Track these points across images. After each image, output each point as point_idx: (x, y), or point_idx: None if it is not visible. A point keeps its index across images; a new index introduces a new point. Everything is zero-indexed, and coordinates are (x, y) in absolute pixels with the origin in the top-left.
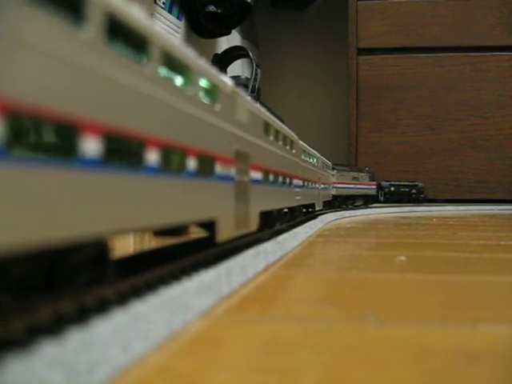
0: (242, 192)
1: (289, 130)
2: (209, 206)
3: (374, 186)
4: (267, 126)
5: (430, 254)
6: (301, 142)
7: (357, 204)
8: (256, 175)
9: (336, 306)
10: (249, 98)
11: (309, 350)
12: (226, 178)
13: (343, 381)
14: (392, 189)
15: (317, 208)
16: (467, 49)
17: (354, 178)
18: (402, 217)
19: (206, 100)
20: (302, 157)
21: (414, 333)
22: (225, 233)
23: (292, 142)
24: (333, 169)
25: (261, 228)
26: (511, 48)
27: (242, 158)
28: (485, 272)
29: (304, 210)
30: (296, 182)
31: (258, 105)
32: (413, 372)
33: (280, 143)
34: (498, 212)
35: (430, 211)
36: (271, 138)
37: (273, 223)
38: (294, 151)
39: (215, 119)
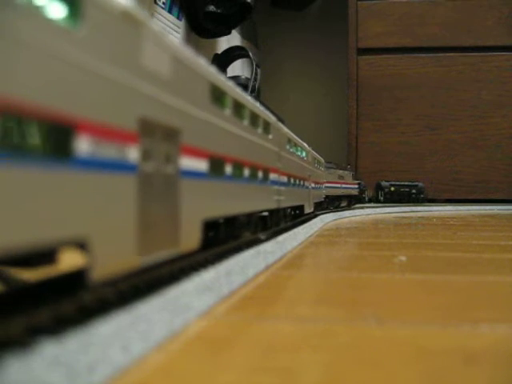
0: (159, 190)
1: (264, 111)
2: (72, 217)
3: (357, 186)
4: (217, 92)
5: (430, 253)
6: (285, 129)
7: (342, 205)
8: (194, 164)
9: (336, 306)
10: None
11: (309, 350)
12: (107, 165)
13: (343, 381)
14: (392, 189)
15: (306, 211)
16: (467, 49)
17: (340, 177)
18: (402, 217)
19: None
20: (287, 147)
21: (414, 333)
22: (110, 263)
23: (268, 124)
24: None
25: (210, 242)
26: (511, 48)
27: (159, 135)
28: (485, 272)
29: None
30: (274, 177)
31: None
32: (413, 372)
33: (246, 123)
34: (498, 212)
35: (430, 211)
36: (227, 111)
37: (239, 232)
38: (270, 137)
39: None
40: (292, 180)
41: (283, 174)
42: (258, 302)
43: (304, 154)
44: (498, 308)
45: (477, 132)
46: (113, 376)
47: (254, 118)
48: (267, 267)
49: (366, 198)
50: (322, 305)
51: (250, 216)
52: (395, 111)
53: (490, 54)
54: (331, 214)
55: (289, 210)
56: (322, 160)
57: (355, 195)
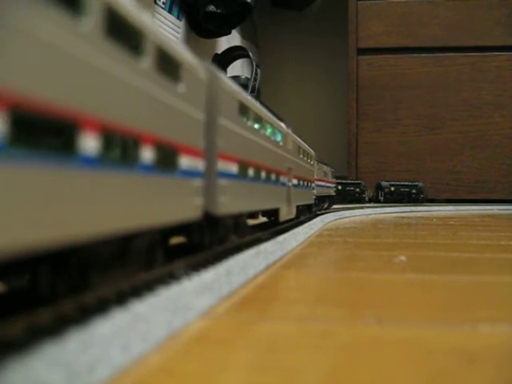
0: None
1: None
2: None
3: (334, 185)
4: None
5: (430, 253)
6: (242, 94)
7: (325, 207)
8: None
9: (336, 306)
10: None
11: (309, 350)
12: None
13: (343, 381)
14: (392, 189)
15: (282, 217)
16: (467, 49)
17: (325, 174)
18: (402, 217)
19: None
20: (236, 116)
21: (414, 333)
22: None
23: (178, 66)
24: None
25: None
26: (511, 48)
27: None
28: (485, 272)
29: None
30: (189, 162)
31: None
32: (413, 372)
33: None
34: (498, 212)
35: (430, 211)
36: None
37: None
38: (184, 91)
39: None
40: (249, 170)
41: (225, 157)
42: (258, 302)
43: (279, 136)
44: (498, 308)
45: (477, 132)
46: (113, 376)
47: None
48: (267, 267)
49: (366, 198)
50: (322, 305)
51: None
52: (395, 111)
53: (490, 53)
54: (331, 213)
55: (242, 219)
56: (313, 152)
57: (332, 195)
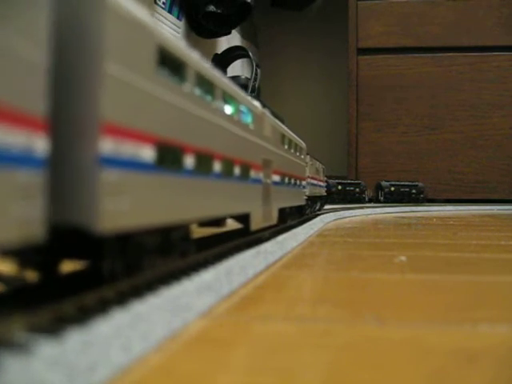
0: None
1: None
2: None
3: (325, 184)
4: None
5: (430, 254)
6: (169, 38)
7: (317, 208)
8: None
9: (336, 305)
10: None
11: (309, 350)
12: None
13: (343, 380)
14: (392, 189)
15: (256, 225)
16: (467, 49)
17: (317, 171)
18: (402, 217)
19: None
20: (173, 79)
21: (414, 333)
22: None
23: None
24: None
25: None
26: (511, 48)
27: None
28: (485, 272)
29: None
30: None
31: None
32: (413, 372)
33: None
34: (498, 212)
35: (430, 211)
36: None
37: None
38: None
39: None
40: (185, 158)
41: (120, 132)
42: (258, 302)
43: (248, 117)
44: (498, 308)
45: (477, 132)
46: (113, 376)
47: None
48: (267, 267)
49: (366, 198)
50: (322, 305)
51: None
52: (395, 111)
53: (490, 53)
54: (331, 213)
55: (179, 233)
56: (304, 145)
57: (324, 196)
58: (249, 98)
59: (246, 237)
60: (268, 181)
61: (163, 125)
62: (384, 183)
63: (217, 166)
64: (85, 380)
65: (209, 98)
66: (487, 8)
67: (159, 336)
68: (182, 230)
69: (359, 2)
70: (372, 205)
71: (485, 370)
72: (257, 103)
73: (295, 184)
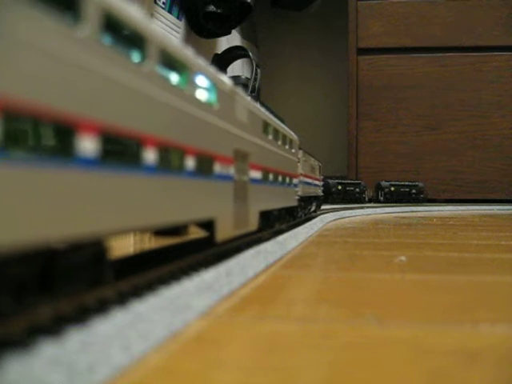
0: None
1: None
2: None
3: (322, 183)
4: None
5: (430, 254)
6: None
7: (313, 210)
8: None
9: (336, 305)
10: None
11: (309, 350)
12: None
13: (343, 381)
14: (392, 189)
15: (224, 233)
16: (467, 49)
17: (313, 169)
18: (402, 217)
19: None
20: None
21: (414, 333)
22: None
23: None
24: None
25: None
26: (511, 48)
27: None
28: (485, 272)
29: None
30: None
31: None
32: (413, 372)
33: None
34: (498, 212)
35: (430, 211)
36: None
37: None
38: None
39: None
40: (80, 142)
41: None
42: (258, 302)
43: (212, 94)
44: (498, 308)
45: (477, 132)
46: (113, 376)
47: None
48: (267, 267)
49: (366, 198)
50: (322, 305)
51: None
52: (395, 111)
53: (490, 53)
54: (331, 213)
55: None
56: (296, 137)
57: (320, 196)
58: (212, 68)
59: (209, 250)
60: (244, 178)
61: (49, 89)
62: (384, 183)
63: (150, 156)
64: (85, 380)
65: (133, 54)
66: (487, 8)
67: (159, 336)
68: (87, 248)
69: (359, 2)
70: (372, 205)
71: (485, 370)
72: (225, 79)
73: (284, 182)
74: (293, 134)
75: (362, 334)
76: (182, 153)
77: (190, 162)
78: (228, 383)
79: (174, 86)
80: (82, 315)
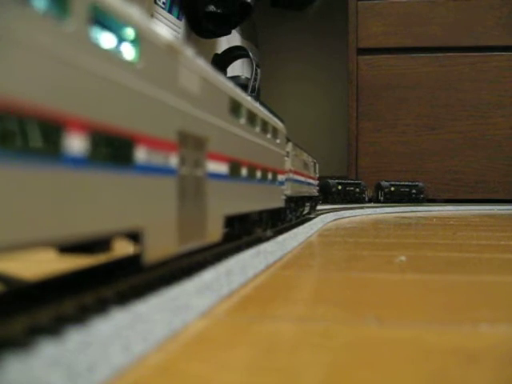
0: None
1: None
2: None
3: (317, 182)
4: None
5: (430, 254)
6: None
7: (306, 212)
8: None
9: (336, 305)
10: None
11: (309, 350)
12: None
13: (343, 381)
14: (392, 189)
15: (154, 252)
16: (467, 49)
17: (305, 165)
18: (402, 217)
19: None
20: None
21: (414, 333)
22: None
23: None
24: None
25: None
26: (511, 48)
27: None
28: (485, 272)
29: None
30: None
31: None
32: (413, 372)
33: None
34: (498, 212)
35: (430, 211)
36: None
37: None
38: None
39: None
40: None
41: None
42: (258, 302)
43: (134, 47)
44: (498, 308)
45: (477, 132)
46: (113, 376)
47: None
48: (267, 267)
49: (366, 198)
50: (322, 305)
51: None
52: (395, 111)
53: (489, 53)
54: (331, 213)
55: None
56: (281, 126)
57: (315, 197)
58: (130, 7)
59: (136, 276)
60: (198, 172)
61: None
62: (384, 183)
63: (18, 140)
64: (85, 380)
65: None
66: (487, 8)
67: (159, 336)
68: None
69: (359, 2)
70: (372, 205)
71: (485, 370)
72: (162, 29)
73: (265, 179)
74: (277, 121)
75: (361, 334)
76: (57, 127)
77: (76, 144)
78: (228, 383)
79: (94, 44)
80: (81, 315)
